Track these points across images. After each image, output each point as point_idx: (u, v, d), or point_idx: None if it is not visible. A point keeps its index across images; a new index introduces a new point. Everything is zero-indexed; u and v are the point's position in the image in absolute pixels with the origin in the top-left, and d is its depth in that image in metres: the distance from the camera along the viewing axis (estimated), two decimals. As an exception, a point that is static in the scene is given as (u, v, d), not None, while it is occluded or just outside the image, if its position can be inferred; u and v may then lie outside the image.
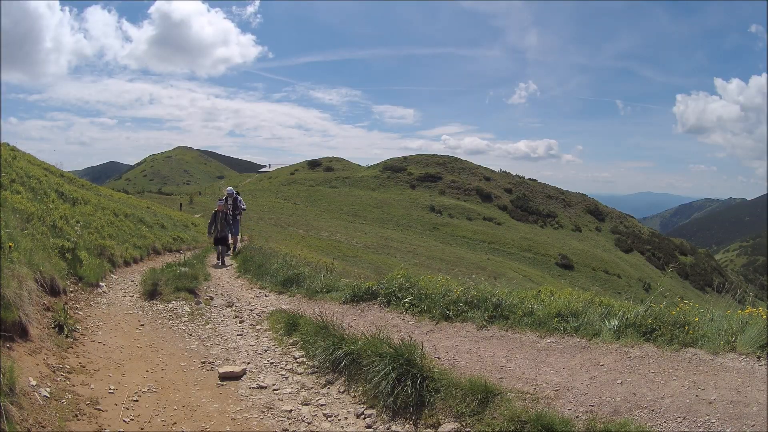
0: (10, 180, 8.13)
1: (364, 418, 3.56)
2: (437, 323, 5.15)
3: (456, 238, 56.53)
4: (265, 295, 7.58)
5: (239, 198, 12.61)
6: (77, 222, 7.94)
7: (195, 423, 3.39)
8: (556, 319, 4.66)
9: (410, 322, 5.32)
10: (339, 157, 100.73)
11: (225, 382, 4.14)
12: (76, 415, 3.16)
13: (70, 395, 3.36)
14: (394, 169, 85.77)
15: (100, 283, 6.77)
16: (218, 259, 11.18)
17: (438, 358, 4.18)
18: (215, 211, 11.31)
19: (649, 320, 4.27)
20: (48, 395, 3.18)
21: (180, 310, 6.13)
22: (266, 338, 5.38)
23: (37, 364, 3.50)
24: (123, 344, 4.72)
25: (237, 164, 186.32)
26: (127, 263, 9.04)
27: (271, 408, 3.73)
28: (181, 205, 41.12)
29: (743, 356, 3.60)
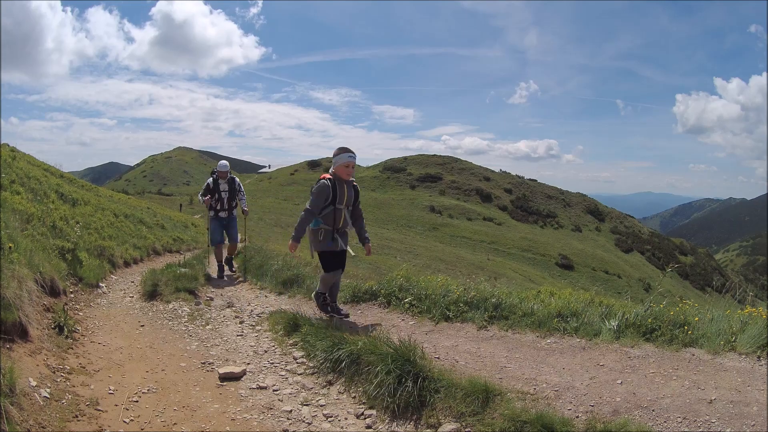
0: (10, 181, 8.13)
1: (365, 419, 3.55)
2: (437, 323, 5.15)
3: (456, 239, 56.50)
4: (265, 296, 7.57)
5: (237, 180, 8.82)
6: (77, 223, 7.94)
7: (195, 423, 3.39)
8: (556, 320, 4.65)
9: (410, 323, 5.32)
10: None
11: (225, 383, 4.13)
12: (77, 416, 3.16)
13: (70, 396, 3.36)
14: (394, 169, 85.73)
15: (100, 284, 6.76)
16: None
17: (438, 358, 4.18)
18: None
19: (649, 320, 4.27)
20: (48, 396, 3.18)
21: (180, 311, 6.13)
22: (266, 339, 5.37)
23: (37, 365, 3.50)
24: (123, 345, 4.72)
25: (237, 165, 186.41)
26: (127, 264, 9.04)
27: (271, 408, 3.73)
28: (181, 205, 41.13)
29: (743, 356, 3.60)
